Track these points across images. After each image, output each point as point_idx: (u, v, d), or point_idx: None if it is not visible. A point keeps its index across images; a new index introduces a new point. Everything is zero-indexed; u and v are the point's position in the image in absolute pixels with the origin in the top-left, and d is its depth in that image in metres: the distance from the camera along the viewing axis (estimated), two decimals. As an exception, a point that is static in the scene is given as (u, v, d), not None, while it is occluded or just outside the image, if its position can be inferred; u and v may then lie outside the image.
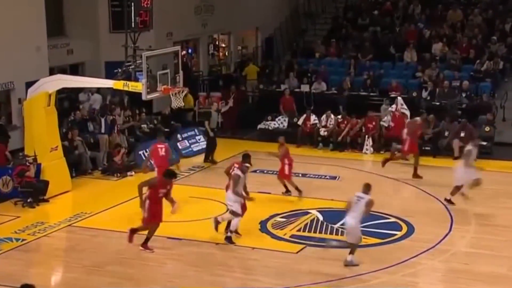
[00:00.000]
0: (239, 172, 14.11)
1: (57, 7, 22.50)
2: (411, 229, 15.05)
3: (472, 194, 16.18)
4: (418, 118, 19.93)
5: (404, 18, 28.07)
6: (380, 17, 28.30)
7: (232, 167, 14.46)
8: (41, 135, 17.38)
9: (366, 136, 21.66)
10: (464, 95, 22.96)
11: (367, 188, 13.05)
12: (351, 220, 12.98)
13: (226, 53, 29.59)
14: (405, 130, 19.07)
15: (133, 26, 17.34)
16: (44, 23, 20.03)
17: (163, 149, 16.58)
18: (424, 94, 23.29)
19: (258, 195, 15.57)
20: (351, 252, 13.02)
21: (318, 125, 22.22)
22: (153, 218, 13.58)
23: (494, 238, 14.45)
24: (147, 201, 13.52)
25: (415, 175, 18.54)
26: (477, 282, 12.35)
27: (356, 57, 26.19)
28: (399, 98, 22.05)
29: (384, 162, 19.04)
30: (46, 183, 17.05)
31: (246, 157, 14.70)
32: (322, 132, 21.98)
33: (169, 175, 13.88)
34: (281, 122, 23.39)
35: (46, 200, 16.94)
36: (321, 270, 13.04)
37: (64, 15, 22.87)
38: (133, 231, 13.77)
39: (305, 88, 24.42)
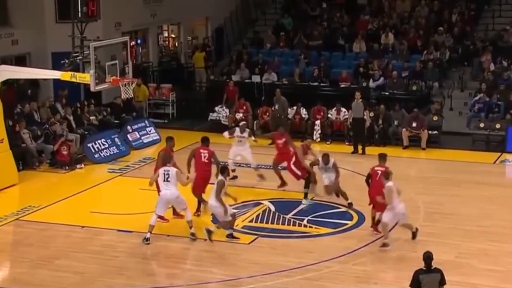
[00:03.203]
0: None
1: (1, -4, 22.04)
2: (361, 218, 15.14)
3: (420, 183, 16.41)
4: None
5: (353, 9, 28.21)
6: (329, 8, 28.41)
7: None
8: (-15, 128, 17.00)
9: (315, 123, 21.65)
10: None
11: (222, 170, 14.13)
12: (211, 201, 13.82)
13: (176, 44, 29.35)
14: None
15: (80, 16, 17.01)
16: (-13, 13, 19.59)
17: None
18: (372, 84, 23.46)
19: (210, 187, 15.45)
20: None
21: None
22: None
23: (441, 226, 14.66)
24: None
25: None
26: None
27: (307, 46, 26.20)
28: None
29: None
30: (-9, 177, 16.69)
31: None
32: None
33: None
34: (219, 113, 23.02)
35: (-8, 194, 16.62)
36: (272, 260, 13.06)
37: (8, 4, 22.34)
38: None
39: (256, 78, 24.39)
